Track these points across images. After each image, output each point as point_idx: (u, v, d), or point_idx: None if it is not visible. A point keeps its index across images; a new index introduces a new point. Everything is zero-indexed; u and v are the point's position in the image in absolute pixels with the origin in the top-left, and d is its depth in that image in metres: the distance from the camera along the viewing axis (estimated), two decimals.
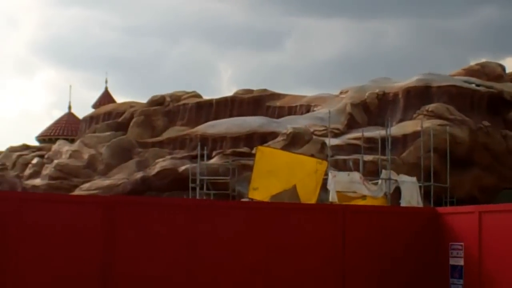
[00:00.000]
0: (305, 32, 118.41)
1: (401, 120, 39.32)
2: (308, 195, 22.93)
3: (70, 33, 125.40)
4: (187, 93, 52.55)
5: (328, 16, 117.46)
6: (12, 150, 50.74)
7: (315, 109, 45.18)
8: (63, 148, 45.73)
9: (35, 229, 10.94)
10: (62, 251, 11.23)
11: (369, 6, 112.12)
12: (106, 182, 40.04)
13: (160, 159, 40.79)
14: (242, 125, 42.64)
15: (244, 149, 39.63)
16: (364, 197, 25.14)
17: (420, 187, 28.82)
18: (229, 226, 12.79)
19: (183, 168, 38.75)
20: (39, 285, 10.97)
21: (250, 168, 28.00)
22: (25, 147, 52.19)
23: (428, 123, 35.62)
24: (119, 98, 64.88)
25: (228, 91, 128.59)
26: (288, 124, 40.29)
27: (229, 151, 39.94)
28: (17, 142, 53.53)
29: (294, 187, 23.45)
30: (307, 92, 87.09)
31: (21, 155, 48.76)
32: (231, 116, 45.70)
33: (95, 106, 62.22)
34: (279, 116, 45.49)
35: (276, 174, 24.34)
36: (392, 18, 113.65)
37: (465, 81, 41.43)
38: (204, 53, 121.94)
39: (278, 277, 12.96)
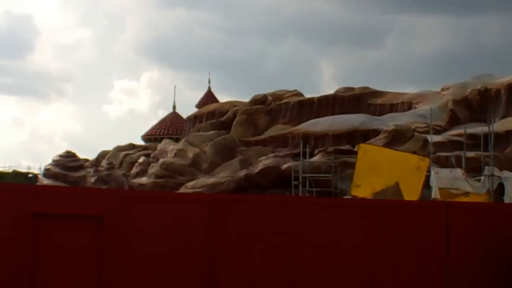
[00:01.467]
0: (405, 29, 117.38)
1: (503, 116, 38.69)
2: (411, 192, 22.86)
3: (174, 34, 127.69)
4: (289, 91, 52.81)
5: (428, 13, 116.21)
6: (119, 149, 51.88)
7: (416, 106, 44.83)
8: (168, 147, 46.59)
9: (142, 227, 11.14)
10: (169, 248, 11.35)
11: (469, 2, 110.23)
12: (210, 180, 40.63)
13: (263, 157, 41.16)
14: (344, 123, 42.65)
15: (346, 147, 39.66)
16: (467, 193, 24.90)
17: None
18: (333, 224, 12.66)
19: (285, 166, 39.03)
20: (147, 282, 11.16)
21: (352, 165, 28.04)
22: (132, 146, 53.29)
23: None
24: (222, 98, 65.69)
25: (329, 89, 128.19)
26: (390, 122, 40.14)
27: (331, 148, 40.03)
28: (124, 142, 54.75)
29: (397, 184, 23.42)
30: (408, 89, 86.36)
31: (128, 154, 49.84)
32: (332, 114, 45.72)
33: (199, 105, 63.05)
34: (380, 113, 45.28)
35: (378, 172, 24.33)
36: (492, 14, 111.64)
37: None
38: (306, 51, 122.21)
39: (381, 277, 12.78)
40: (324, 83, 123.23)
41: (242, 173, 40.21)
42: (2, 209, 10.26)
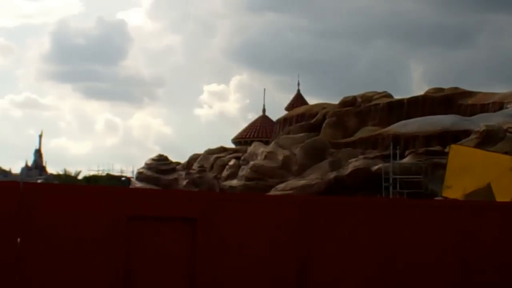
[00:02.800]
0: (496, 28, 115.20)
1: None
2: (503, 194, 22.50)
3: (264, 37, 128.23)
4: (378, 93, 52.53)
5: None
6: (210, 152, 52.40)
7: (508, 106, 44.05)
8: (258, 149, 46.84)
9: (234, 229, 11.27)
10: (260, 249, 11.43)
11: None
12: (300, 182, 40.72)
13: (353, 159, 41.05)
14: (434, 124, 42.21)
15: (437, 148, 39.24)
16: None
17: None
18: (425, 225, 12.49)
19: (376, 167, 38.85)
20: (240, 282, 11.28)
21: (443, 166, 27.75)
22: (222, 149, 53.78)
23: None
24: (311, 100, 65.72)
25: (418, 90, 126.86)
26: (481, 122, 39.53)
27: (421, 150, 39.68)
28: (214, 145, 55.32)
29: (489, 185, 23.10)
30: (499, 89, 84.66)
31: (218, 157, 50.30)
32: (422, 115, 45.27)
33: (288, 108, 63.20)
34: (471, 114, 44.65)
35: (470, 173, 24.00)
36: None
37: None
38: (395, 52, 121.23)
39: (477, 282, 12.57)
40: (414, 84, 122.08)
41: (332, 175, 40.17)
42: (98, 211, 10.59)
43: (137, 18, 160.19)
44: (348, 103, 51.34)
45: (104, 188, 18.81)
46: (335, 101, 53.80)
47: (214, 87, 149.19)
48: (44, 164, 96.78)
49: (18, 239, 10.23)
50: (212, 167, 49.43)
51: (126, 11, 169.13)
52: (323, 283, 11.63)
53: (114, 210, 10.59)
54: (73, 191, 11.30)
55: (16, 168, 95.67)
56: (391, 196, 34.07)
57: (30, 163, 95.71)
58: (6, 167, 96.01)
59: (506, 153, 29.00)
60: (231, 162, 47.58)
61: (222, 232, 11.08)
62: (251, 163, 44.64)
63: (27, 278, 10.24)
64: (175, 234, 10.89)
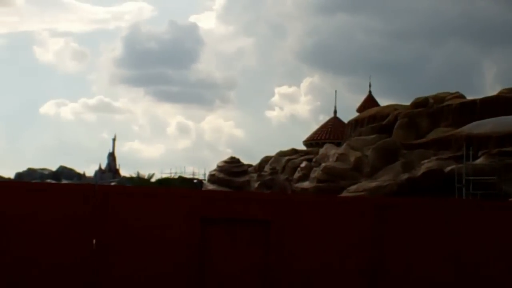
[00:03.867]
0: None
1: None
2: None
3: (335, 39, 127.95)
4: (451, 94, 51.96)
5: None
6: (281, 154, 52.51)
7: None
8: (330, 151, 46.77)
9: (308, 231, 11.27)
10: (334, 250, 11.43)
11: None
12: (372, 184, 40.53)
13: (426, 160, 40.69)
14: (508, 124, 41.59)
15: (510, 149, 38.68)
16: None
17: None
18: (499, 227, 12.29)
19: (448, 168, 38.46)
20: (314, 282, 11.33)
21: None
22: (294, 151, 53.84)
23: None
24: (382, 101, 65.34)
25: (492, 91, 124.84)
26: None
27: (495, 150, 39.17)
28: (286, 147, 55.42)
29: None
30: None
31: (290, 159, 50.38)
32: (496, 115, 44.60)
33: (360, 109, 62.90)
34: None
35: None
36: None
37: None
38: (468, 53, 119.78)
39: None
40: (487, 84, 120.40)
41: (404, 176, 39.89)
42: (172, 213, 10.76)
43: (208, 22, 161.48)
44: (420, 104, 50.88)
45: (178, 190, 19.05)
46: (407, 102, 53.42)
47: (285, 89, 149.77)
48: (117, 167, 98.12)
49: (94, 241, 10.52)
50: (283, 169, 49.51)
51: (198, 14, 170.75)
52: (395, 280, 11.57)
53: (188, 212, 10.75)
54: (147, 194, 11.51)
55: (89, 171, 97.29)
56: (464, 197, 33.68)
57: (103, 166, 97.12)
58: (80, 170, 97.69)
59: None
60: (303, 164, 47.56)
61: (295, 234, 11.12)
62: (323, 165, 44.56)
63: (102, 279, 10.51)
64: (249, 236, 10.97)
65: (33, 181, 72.49)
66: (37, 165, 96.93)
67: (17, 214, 10.28)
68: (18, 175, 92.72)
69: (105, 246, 10.45)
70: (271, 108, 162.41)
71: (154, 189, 18.23)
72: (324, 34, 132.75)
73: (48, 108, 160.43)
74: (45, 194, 10.62)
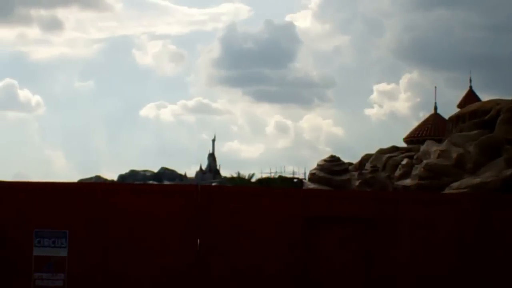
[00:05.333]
0: None
1: None
2: None
3: (434, 34, 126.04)
4: None
5: None
6: (382, 152, 51.94)
7: None
8: (431, 148, 46.08)
9: (410, 228, 11.22)
10: (438, 248, 11.33)
11: None
12: (475, 180, 39.76)
13: None
14: None
15: None
16: None
17: None
18: None
19: None
20: (417, 280, 11.27)
21: None
22: (394, 148, 53.23)
23: None
24: (484, 96, 64.03)
25: None
26: None
27: None
28: (385, 144, 54.90)
29: None
30: None
31: (391, 157, 49.81)
32: None
33: (460, 105, 61.78)
34: None
35: None
36: None
37: None
38: None
39: None
40: None
41: (508, 172, 38.95)
42: (275, 212, 10.89)
43: (305, 20, 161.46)
44: None
45: (280, 190, 19.16)
46: (509, 96, 52.34)
47: (383, 86, 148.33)
48: (218, 167, 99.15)
49: (198, 240, 10.69)
50: (384, 167, 48.98)
51: (294, 13, 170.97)
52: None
53: (291, 211, 10.85)
54: (249, 194, 11.66)
55: (190, 172, 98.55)
56: None
57: (204, 167, 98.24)
58: (181, 171, 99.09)
59: None
60: (404, 162, 46.95)
61: (399, 231, 11.14)
62: (424, 162, 43.93)
63: (207, 277, 10.66)
64: (351, 234, 11.01)
65: (136, 182, 73.91)
66: (139, 167, 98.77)
67: (123, 215, 10.54)
68: (121, 177, 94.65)
69: (209, 246, 10.61)
70: (370, 105, 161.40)
71: (256, 189, 18.39)
72: (422, 30, 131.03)
73: (148, 110, 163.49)
74: (150, 196, 10.87)
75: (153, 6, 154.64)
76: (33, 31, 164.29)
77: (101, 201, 10.56)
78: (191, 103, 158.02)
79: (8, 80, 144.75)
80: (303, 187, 47.13)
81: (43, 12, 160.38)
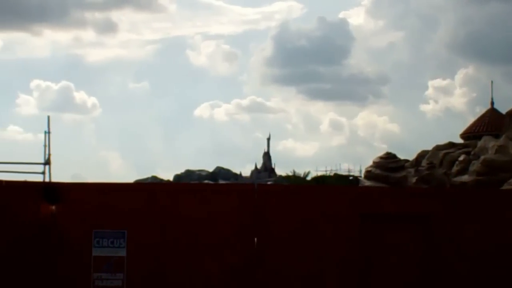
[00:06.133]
0: None
1: None
2: None
3: (489, 28, 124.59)
4: None
5: None
6: (438, 148, 51.47)
7: None
8: (488, 143, 45.52)
9: (469, 225, 11.10)
10: (497, 242, 11.19)
11: None
12: None
13: None
14: None
15: None
16: None
17: None
18: None
19: None
20: (476, 280, 11.13)
21: None
22: (451, 144, 52.72)
23: None
24: None
25: None
26: None
27: None
28: (442, 140, 54.37)
29: None
30: None
31: (447, 153, 49.35)
32: None
33: None
34: None
35: None
36: None
37: None
38: None
39: None
40: None
41: None
42: (331, 210, 10.84)
43: (358, 17, 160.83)
44: None
45: (336, 187, 19.11)
46: None
47: (439, 82, 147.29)
48: (273, 166, 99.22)
49: (255, 239, 10.67)
50: (441, 163, 48.56)
51: (347, 10, 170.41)
52: None
53: (348, 208, 10.81)
54: (305, 192, 11.63)
55: (245, 171, 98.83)
56: None
57: (259, 166, 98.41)
58: (236, 171, 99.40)
59: None
60: (461, 158, 46.47)
61: (457, 228, 11.02)
62: (482, 157, 43.43)
63: (265, 275, 10.65)
64: (408, 231, 10.93)
65: (191, 182, 74.33)
66: (194, 166, 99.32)
67: (181, 214, 10.58)
68: (177, 177, 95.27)
69: (266, 244, 10.60)
70: (425, 101, 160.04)
71: (312, 187, 18.38)
72: (477, 24, 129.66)
73: (202, 110, 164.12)
74: (207, 195, 10.91)
75: (207, 6, 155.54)
76: (88, 34, 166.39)
77: (159, 201, 10.62)
78: (245, 102, 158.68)
79: (64, 83, 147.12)
80: (359, 185, 46.92)
81: (98, 15, 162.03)
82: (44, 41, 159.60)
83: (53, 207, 10.44)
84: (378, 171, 45.46)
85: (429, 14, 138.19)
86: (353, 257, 10.74)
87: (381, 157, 47.37)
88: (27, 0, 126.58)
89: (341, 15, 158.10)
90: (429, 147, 53.11)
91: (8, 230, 10.37)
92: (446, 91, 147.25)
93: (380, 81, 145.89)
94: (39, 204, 10.43)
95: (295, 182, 63.34)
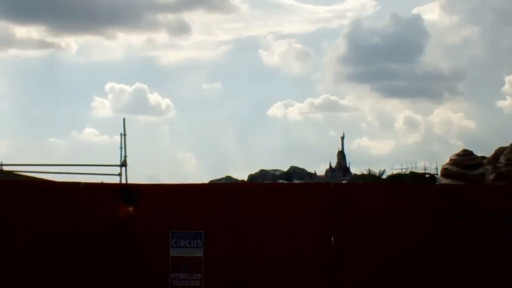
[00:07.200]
0: None
1: None
2: None
3: None
4: None
5: None
6: None
7: None
8: None
9: None
10: None
11: None
12: None
13: None
14: None
15: None
16: None
17: None
18: None
19: None
20: None
21: None
22: None
23: None
24: None
25: None
26: None
27: None
28: None
29: None
30: None
31: None
32: None
33: None
34: None
35: None
36: None
37: None
38: None
39: None
40: None
41: None
42: (411, 208, 10.62)
43: (432, 13, 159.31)
44: None
45: (416, 185, 18.93)
46: None
47: None
48: (347, 165, 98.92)
49: (332, 238, 10.60)
50: None
51: (421, 6, 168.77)
52: None
53: (427, 207, 10.62)
54: (382, 190, 11.49)
55: (320, 170, 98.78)
56: None
57: (333, 165, 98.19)
58: (311, 170, 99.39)
59: None
60: None
61: None
62: None
63: (343, 277, 10.52)
64: (491, 229, 10.70)
65: (266, 182, 74.51)
66: (268, 166, 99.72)
67: (257, 214, 10.57)
68: (251, 176, 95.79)
69: (344, 244, 10.53)
70: (503, 97, 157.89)
71: (388, 185, 18.22)
72: None
73: (275, 109, 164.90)
74: (283, 194, 10.88)
75: (279, 5, 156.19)
76: (161, 36, 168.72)
77: (236, 201, 10.62)
78: (318, 101, 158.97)
79: (138, 85, 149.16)
80: (436, 183, 46.36)
81: (170, 17, 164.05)
82: (118, 44, 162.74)
83: (131, 209, 10.52)
84: (455, 169, 45.03)
85: (505, 8, 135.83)
86: (434, 257, 10.52)
87: (457, 155, 46.85)
88: (101, 4, 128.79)
89: (414, 11, 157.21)
90: (507, 143, 52.44)
91: (87, 232, 10.50)
92: None
93: (455, 78, 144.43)
94: (116, 206, 10.53)
95: (370, 180, 62.88)
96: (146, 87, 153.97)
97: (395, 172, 70.99)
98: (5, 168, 31.58)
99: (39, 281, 10.42)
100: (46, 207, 10.59)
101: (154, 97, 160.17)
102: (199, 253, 10.41)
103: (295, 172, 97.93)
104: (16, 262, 10.43)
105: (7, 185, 11.68)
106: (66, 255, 10.46)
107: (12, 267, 10.44)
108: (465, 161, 45.82)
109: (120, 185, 12.93)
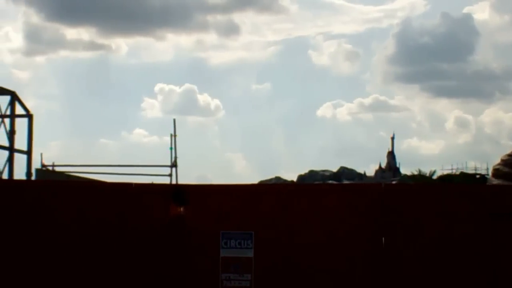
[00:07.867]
0: None
1: None
2: None
3: None
4: None
5: None
6: None
7: None
8: None
9: None
10: None
11: None
12: None
13: None
14: None
15: None
16: None
17: None
18: None
19: None
20: None
21: None
22: None
23: None
24: None
25: None
26: None
27: None
28: None
29: None
30: None
31: None
32: None
33: None
34: None
35: None
36: None
37: None
38: None
39: None
40: None
41: None
42: (460, 209, 10.50)
43: (483, 12, 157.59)
44: None
45: (464, 186, 18.71)
46: None
47: None
48: (397, 165, 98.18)
49: (383, 239, 10.56)
50: None
51: (472, 6, 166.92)
52: None
53: (477, 208, 10.51)
54: (432, 191, 11.36)
55: (370, 171, 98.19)
56: None
57: (383, 165, 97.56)
58: (360, 170, 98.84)
59: None
60: None
61: None
62: None
63: (395, 277, 10.46)
64: None
65: (315, 182, 74.34)
66: (317, 167, 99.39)
67: (307, 215, 10.60)
68: (300, 177, 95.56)
69: (394, 245, 10.49)
70: None
71: (439, 186, 18.05)
72: None
73: (324, 110, 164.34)
74: (333, 195, 10.86)
75: (328, 5, 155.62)
76: (211, 37, 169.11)
77: (285, 202, 10.65)
78: (367, 101, 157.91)
79: (188, 86, 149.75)
80: (487, 183, 45.84)
81: (220, 18, 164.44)
82: (168, 45, 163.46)
83: (181, 209, 10.59)
84: (506, 169, 44.44)
85: None
86: (484, 258, 10.42)
87: (509, 155, 46.25)
88: (151, 5, 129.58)
89: (465, 10, 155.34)
90: None
91: (138, 233, 10.60)
92: None
93: (506, 77, 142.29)
94: (167, 206, 10.61)
95: (421, 181, 62.35)
96: (195, 87, 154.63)
97: (445, 172, 70.44)
98: (57, 168, 32.05)
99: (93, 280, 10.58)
100: (97, 207, 10.73)
101: (203, 98, 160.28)
102: (250, 254, 10.44)
103: (344, 172, 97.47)
104: (66, 260, 10.59)
105: (61, 186, 11.87)
106: (117, 254, 10.58)
107: (62, 264, 10.59)
108: None
109: (171, 186, 13.01)
